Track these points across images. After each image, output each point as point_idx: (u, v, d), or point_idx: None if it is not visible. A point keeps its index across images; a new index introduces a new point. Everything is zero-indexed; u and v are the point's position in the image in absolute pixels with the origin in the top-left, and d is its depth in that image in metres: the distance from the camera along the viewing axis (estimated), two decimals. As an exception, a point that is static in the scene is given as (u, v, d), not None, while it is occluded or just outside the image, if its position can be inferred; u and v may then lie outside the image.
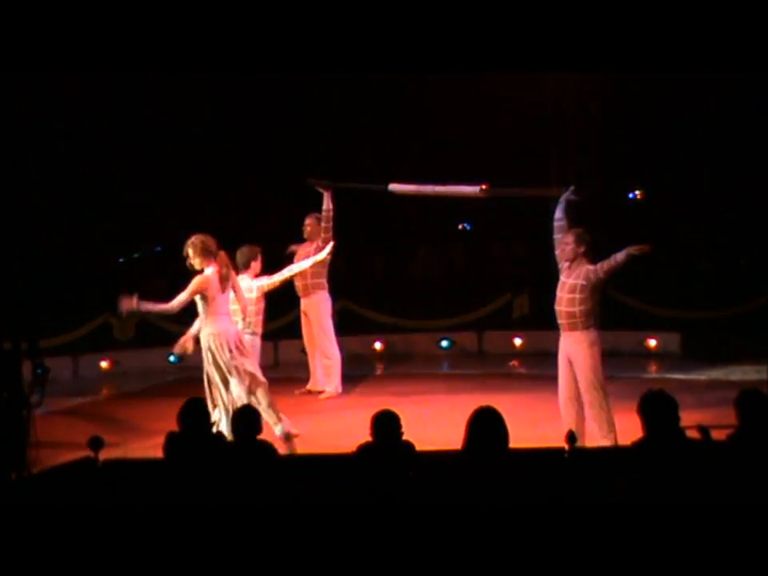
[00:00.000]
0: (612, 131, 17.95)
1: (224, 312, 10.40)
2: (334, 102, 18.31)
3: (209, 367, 10.31)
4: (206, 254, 10.26)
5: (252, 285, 11.23)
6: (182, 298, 10.24)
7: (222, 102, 18.34)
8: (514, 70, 13.01)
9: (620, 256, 9.60)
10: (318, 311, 13.26)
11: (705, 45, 10.73)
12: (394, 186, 12.28)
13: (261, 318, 11.38)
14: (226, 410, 10.11)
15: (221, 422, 10.08)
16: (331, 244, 12.32)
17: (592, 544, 5.89)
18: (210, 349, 10.29)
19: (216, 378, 10.26)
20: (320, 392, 13.36)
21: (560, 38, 10.78)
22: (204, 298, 10.27)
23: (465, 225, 19.72)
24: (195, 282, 10.24)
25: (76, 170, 17.75)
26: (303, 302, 13.35)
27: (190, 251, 10.27)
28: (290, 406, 12.57)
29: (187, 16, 10.65)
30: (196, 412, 7.11)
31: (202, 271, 10.25)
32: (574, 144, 17.62)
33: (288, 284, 13.52)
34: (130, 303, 10.17)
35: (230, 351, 10.28)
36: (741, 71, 12.87)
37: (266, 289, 11.34)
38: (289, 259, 13.53)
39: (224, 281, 10.30)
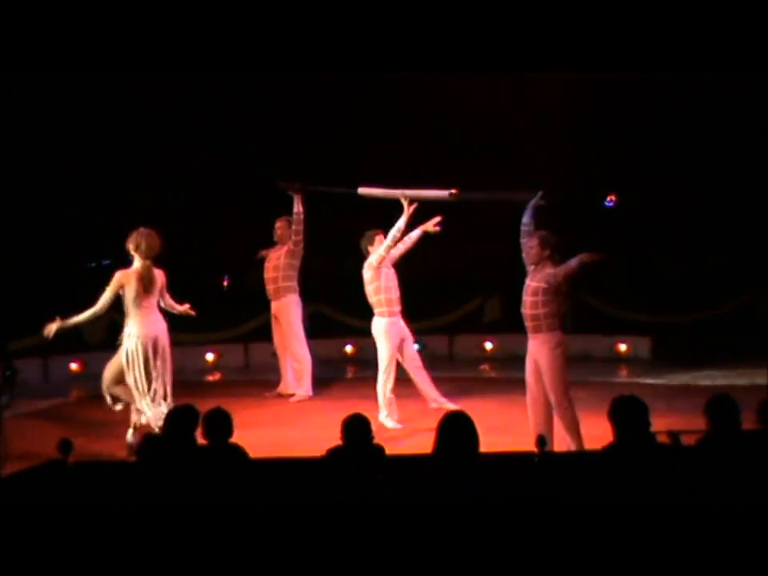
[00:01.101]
0: (584, 136, 18.00)
1: (148, 311, 10.60)
2: (303, 104, 18.30)
3: (124, 365, 10.51)
4: (136, 249, 10.55)
5: (365, 266, 11.43)
6: (105, 295, 10.50)
7: (194, 105, 18.29)
8: (496, 71, 13.06)
9: (574, 262, 9.67)
10: (288, 314, 13.23)
11: (684, 46, 10.78)
12: (363, 190, 12.27)
13: (388, 296, 11.48)
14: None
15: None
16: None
17: (563, 547, 5.91)
18: (128, 349, 10.50)
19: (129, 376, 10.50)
20: (291, 395, 13.34)
21: (539, 39, 10.80)
22: (124, 294, 10.51)
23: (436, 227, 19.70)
24: (115, 277, 10.53)
25: (48, 173, 17.67)
26: (274, 305, 13.32)
27: (130, 245, 10.57)
28: (260, 409, 12.57)
29: (161, 18, 10.63)
30: (184, 419, 7.10)
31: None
32: (546, 149, 17.68)
33: (260, 286, 13.57)
34: (51, 327, 10.60)
35: (146, 356, 10.49)
36: (719, 72, 12.92)
37: (375, 265, 11.38)
38: (259, 264, 13.55)
39: (144, 279, 10.53)
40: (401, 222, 11.28)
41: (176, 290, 11.48)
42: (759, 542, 5.86)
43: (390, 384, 11.43)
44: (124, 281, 10.51)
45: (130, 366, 10.50)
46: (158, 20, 10.70)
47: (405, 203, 11.38)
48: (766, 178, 17.20)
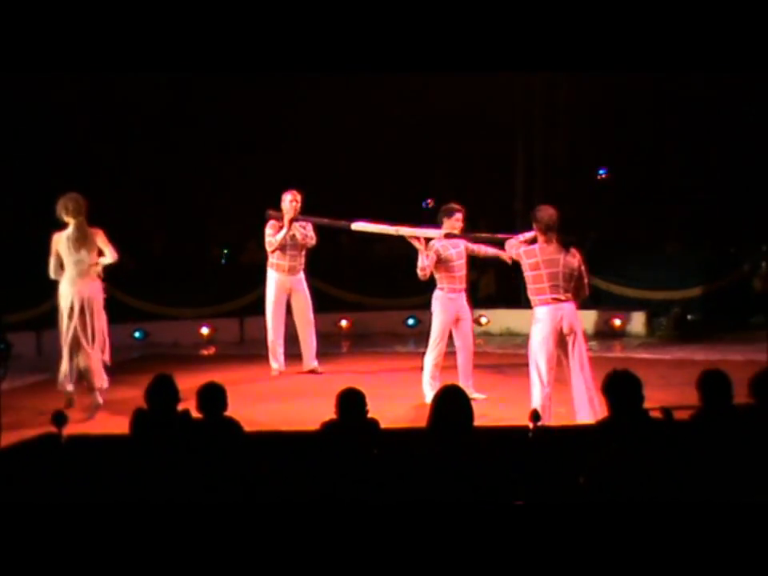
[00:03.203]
0: (580, 112, 18.02)
1: (81, 271, 10.83)
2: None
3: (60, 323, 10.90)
4: (66, 213, 10.83)
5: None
6: (51, 262, 10.86)
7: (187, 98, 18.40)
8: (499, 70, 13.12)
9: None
10: (305, 288, 13.20)
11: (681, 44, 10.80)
12: (357, 225, 12.30)
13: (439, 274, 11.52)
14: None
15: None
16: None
17: (554, 525, 5.92)
18: (61, 308, 10.85)
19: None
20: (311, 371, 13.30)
21: (534, 37, 10.83)
22: (57, 255, 10.83)
23: (429, 201, 19.77)
24: (52, 241, 10.86)
25: (37, 144, 17.67)
26: (291, 280, 13.10)
27: (60, 211, 10.85)
28: (254, 383, 12.58)
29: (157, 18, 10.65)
30: (164, 389, 7.10)
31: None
32: (542, 125, 17.69)
33: (260, 262, 13.53)
34: None
35: (71, 312, 10.79)
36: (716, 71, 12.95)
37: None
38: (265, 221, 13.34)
39: (74, 238, 10.79)
40: (422, 262, 11.31)
41: (173, 264, 11.55)
42: (752, 516, 5.86)
43: None
44: (57, 242, 10.84)
45: (62, 323, 10.88)
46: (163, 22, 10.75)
47: (415, 243, 11.40)
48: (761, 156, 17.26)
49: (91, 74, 16.15)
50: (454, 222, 11.38)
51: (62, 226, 10.89)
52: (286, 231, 12.84)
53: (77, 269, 10.80)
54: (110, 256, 11.02)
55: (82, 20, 10.56)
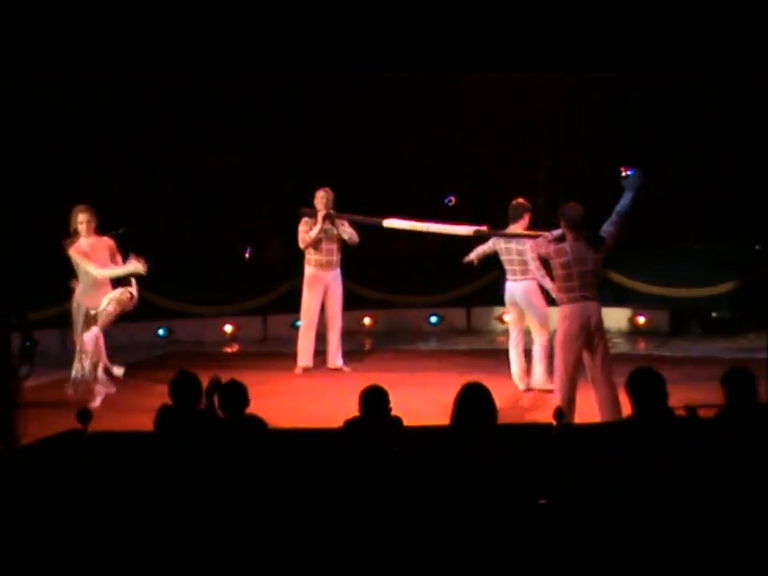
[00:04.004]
0: (604, 108, 17.96)
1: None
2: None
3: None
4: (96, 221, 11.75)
5: None
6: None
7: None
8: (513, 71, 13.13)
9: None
10: (341, 285, 13.25)
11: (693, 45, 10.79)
12: (388, 222, 12.38)
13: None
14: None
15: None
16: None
17: (576, 526, 5.92)
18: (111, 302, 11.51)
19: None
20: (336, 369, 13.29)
21: (551, 38, 10.83)
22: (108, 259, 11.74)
23: (452, 198, 19.74)
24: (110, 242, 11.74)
25: (63, 142, 17.69)
26: (327, 276, 13.17)
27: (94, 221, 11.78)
28: (278, 381, 12.60)
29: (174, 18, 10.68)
30: (187, 385, 7.12)
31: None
32: (565, 122, 17.65)
33: (288, 258, 13.57)
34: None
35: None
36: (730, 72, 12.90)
37: None
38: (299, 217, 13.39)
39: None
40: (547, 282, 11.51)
41: (197, 262, 11.59)
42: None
43: None
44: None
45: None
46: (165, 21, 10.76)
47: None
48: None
49: (113, 71, 16.19)
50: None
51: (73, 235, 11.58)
52: (320, 227, 12.91)
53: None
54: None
55: (86, 19, 10.59)
